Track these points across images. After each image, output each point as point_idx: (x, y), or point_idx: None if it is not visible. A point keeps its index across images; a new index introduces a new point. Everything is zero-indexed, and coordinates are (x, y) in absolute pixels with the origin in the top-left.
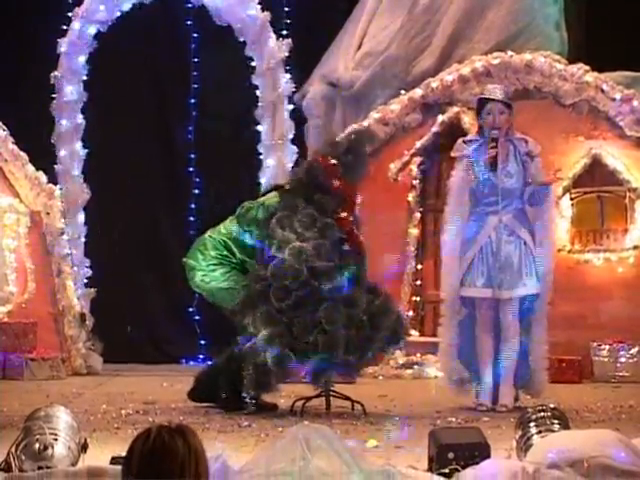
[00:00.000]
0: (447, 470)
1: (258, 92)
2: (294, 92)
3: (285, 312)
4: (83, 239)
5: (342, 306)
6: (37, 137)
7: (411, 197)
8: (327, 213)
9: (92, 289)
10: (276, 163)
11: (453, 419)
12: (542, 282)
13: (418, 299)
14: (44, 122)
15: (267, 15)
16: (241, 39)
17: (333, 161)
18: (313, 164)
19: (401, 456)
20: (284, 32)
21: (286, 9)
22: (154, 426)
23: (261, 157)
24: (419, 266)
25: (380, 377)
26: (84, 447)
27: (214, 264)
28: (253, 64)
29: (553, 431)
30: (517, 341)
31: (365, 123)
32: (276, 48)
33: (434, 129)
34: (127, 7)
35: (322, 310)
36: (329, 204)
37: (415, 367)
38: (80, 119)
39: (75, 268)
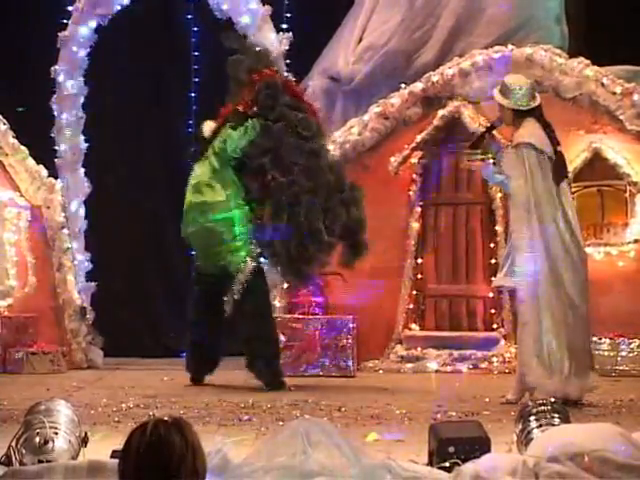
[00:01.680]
0: (447, 464)
1: None
2: None
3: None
4: (83, 233)
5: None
6: (37, 131)
7: (411, 191)
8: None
9: (93, 283)
10: None
11: (453, 413)
12: (516, 277)
13: (418, 293)
14: (44, 116)
15: (267, 9)
16: (241, 33)
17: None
18: (268, 82)
19: (401, 450)
20: (284, 26)
21: (286, 3)
22: (150, 420)
23: None
24: (419, 260)
25: (380, 371)
26: (84, 441)
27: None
28: None
29: (553, 425)
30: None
31: (365, 117)
32: (276, 42)
33: (435, 123)
34: (127, 1)
35: (346, 193)
36: (302, 105)
37: (415, 361)
38: (80, 113)
39: (75, 262)
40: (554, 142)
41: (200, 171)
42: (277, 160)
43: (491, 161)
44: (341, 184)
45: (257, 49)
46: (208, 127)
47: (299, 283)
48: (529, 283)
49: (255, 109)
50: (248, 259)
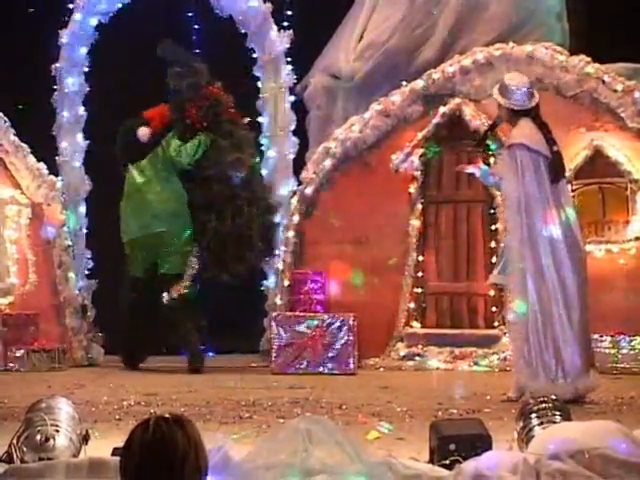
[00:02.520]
0: (448, 461)
1: (259, 84)
2: (295, 84)
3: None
4: (84, 231)
5: None
6: (38, 128)
7: (412, 188)
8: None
9: (93, 280)
10: (277, 154)
11: (454, 410)
12: (504, 274)
13: (420, 291)
14: (45, 113)
15: (268, 6)
16: (242, 31)
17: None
18: (217, 99)
19: (402, 448)
20: (285, 24)
21: (287, 0)
22: (152, 418)
23: (262, 148)
24: (420, 258)
25: (381, 369)
26: (85, 438)
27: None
28: (254, 56)
29: (554, 422)
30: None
31: (366, 115)
32: (277, 40)
33: (435, 120)
34: None
35: (268, 200)
36: (240, 121)
37: (417, 359)
38: (81, 110)
39: (76, 260)
40: (550, 142)
41: (149, 175)
42: (222, 173)
43: (492, 160)
44: (266, 193)
45: (197, 64)
46: (143, 132)
47: (227, 280)
48: (517, 283)
49: (205, 124)
50: (190, 260)
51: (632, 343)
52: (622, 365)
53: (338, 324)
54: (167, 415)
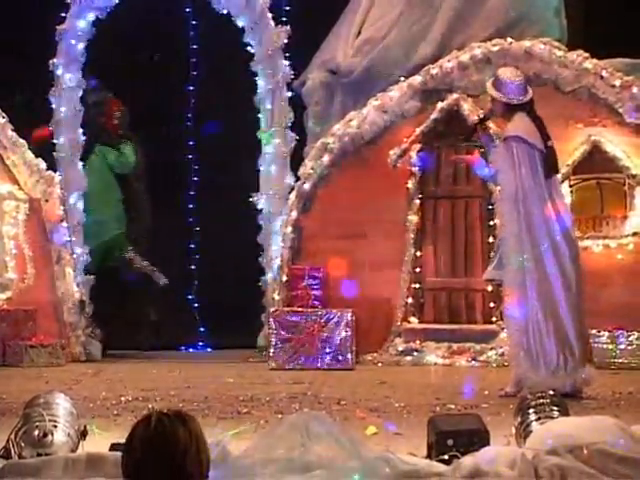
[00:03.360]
0: (446, 457)
1: (257, 79)
2: (293, 79)
3: None
4: (82, 226)
5: None
6: (36, 124)
7: (410, 184)
8: None
9: (91, 276)
10: (275, 150)
11: (452, 406)
12: (500, 269)
13: (417, 286)
14: (43, 109)
15: (266, 2)
16: (240, 26)
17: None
18: (123, 111)
19: (400, 443)
20: (283, 19)
21: None
22: (153, 413)
23: (260, 144)
24: (418, 253)
25: (379, 364)
26: (83, 434)
27: None
28: (252, 51)
29: (552, 418)
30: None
31: (364, 110)
32: (275, 35)
33: (433, 116)
34: None
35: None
36: None
37: (415, 354)
38: (79, 106)
39: (74, 255)
40: (544, 137)
41: (104, 184)
42: (135, 171)
43: (491, 153)
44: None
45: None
46: None
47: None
48: (515, 276)
49: (120, 131)
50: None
51: (630, 338)
52: (620, 360)
53: (336, 319)
54: (165, 410)
